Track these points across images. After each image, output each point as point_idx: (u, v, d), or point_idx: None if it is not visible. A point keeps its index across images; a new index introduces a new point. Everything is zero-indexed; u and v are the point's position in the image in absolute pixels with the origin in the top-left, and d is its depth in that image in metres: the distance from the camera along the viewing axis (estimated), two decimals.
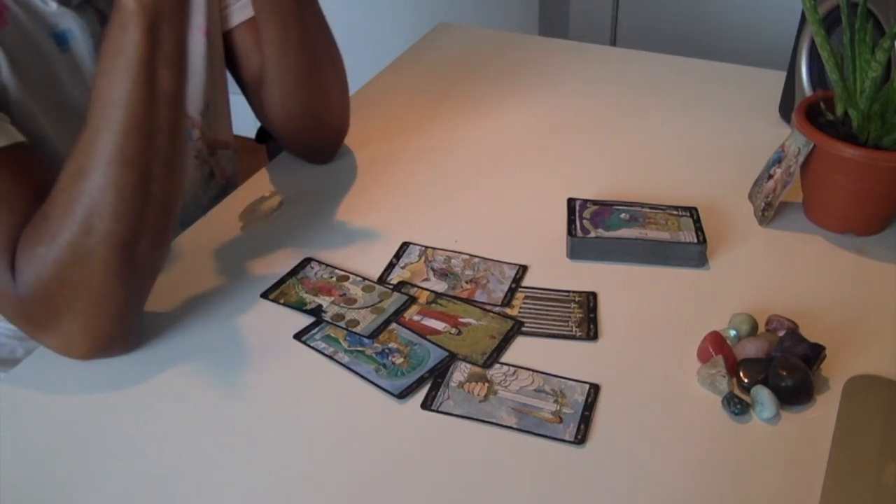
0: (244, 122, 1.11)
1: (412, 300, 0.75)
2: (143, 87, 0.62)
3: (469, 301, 0.76)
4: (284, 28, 0.84)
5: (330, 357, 0.70)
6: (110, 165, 0.62)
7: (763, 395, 0.63)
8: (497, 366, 0.69)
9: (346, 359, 0.69)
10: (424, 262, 0.81)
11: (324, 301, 0.75)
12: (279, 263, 0.81)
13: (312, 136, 0.95)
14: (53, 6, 0.75)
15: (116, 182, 0.62)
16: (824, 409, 0.64)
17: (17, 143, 0.68)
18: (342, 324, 0.73)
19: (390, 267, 0.80)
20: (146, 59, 0.61)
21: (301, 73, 0.87)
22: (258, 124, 1.09)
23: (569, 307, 0.75)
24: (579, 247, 0.81)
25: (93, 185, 0.62)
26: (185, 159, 0.68)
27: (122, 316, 0.68)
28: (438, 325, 0.73)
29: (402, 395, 0.66)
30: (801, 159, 0.82)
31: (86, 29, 0.78)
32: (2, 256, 0.65)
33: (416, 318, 0.74)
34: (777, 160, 0.86)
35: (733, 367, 0.67)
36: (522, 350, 0.70)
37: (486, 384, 0.67)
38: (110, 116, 0.62)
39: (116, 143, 0.62)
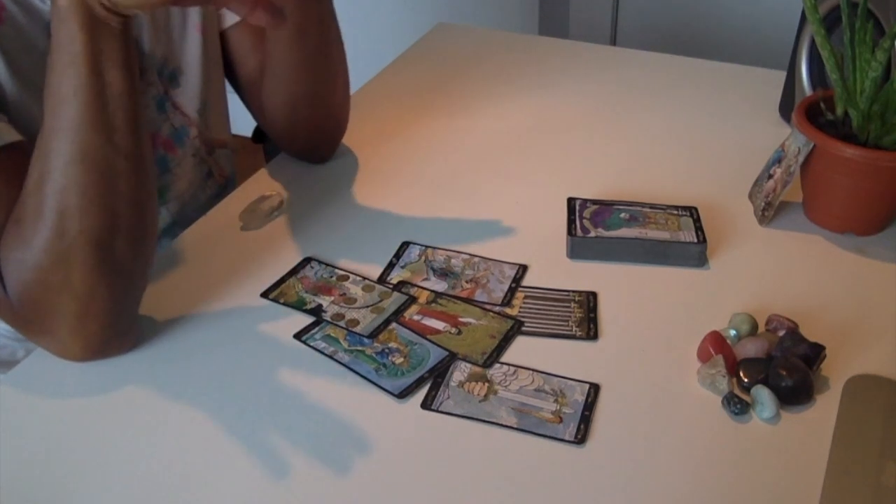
0: (242, 121, 1.11)
1: (412, 300, 0.75)
2: (88, 81, 0.60)
3: (469, 301, 0.76)
4: (303, 12, 0.83)
5: (330, 357, 0.70)
6: (70, 165, 0.61)
7: (763, 395, 0.63)
8: (497, 365, 0.69)
9: (346, 358, 0.69)
10: (424, 261, 0.81)
11: (324, 301, 0.75)
12: (279, 263, 0.81)
13: (313, 131, 0.94)
14: (49, 3, 0.75)
15: (79, 181, 0.62)
16: (824, 409, 0.64)
17: (14, 142, 0.68)
18: (342, 323, 0.73)
19: (390, 267, 0.80)
20: (88, 53, 0.59)
21: (308, 59, 0.86)
22: (255, 124, 1.08)
23: (569, 307, 0.75)
24: (579, 246, 0.80)
25: (56, 187, 0.61)
26: (151, 155, 0.67)
27: (110, 316, 0.67)
28: (438, 324, 0.73)
29: (402, 394, 0.66)
30: (801, 159, 0.82)
31: None
32: None
33: (416, 317, 0.74)
34: (777, 160, 0.86)
35: (733, 366, 0.67)
36: (522, 350, 0.70)
37: (486, 384, 0.67)
38: (63, 115, 0.61)
39: (73, 142, 0.61)
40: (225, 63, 0.96)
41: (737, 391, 0.65)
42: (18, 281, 0.64)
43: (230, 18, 0.93)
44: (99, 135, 0.62)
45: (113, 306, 0.67)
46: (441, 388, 0.66)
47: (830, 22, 0.91)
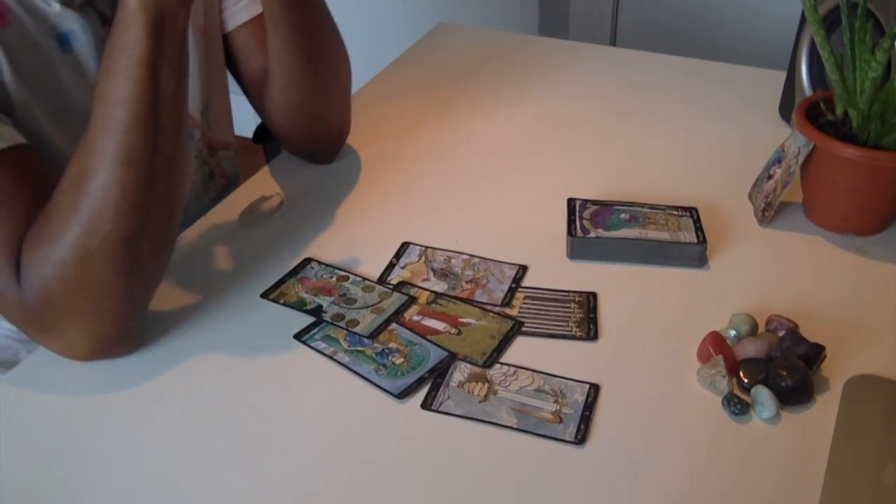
0: (243, 122, 1.11)
1: (412, 300, 0.75)
2: (145, 85, 0.62)
3: (469, 301, 0.76)
4: (287, 22, 0.84)
5: (330, 357, 0.70)
6: (114, 165, 0.62)
7: (763, 395, 0.63)
8: (497, 366, 0.69)
9: (346, 359, 0.69)
10: (424, 262, 0.81)
11: (324, 301, 0.75)
12: (279, 263, 0.81)
13: (312, 136, 0.95)
14: (56, 7, 0.75)
15: (120, 181, 0.62)
16: (824, 409, 0.64)
17: (18, 144, 0.68)
18: (342, 324, 0.73)
19: (390, 267, 0.80)
20: (148, 57, 0.61)
21: (298, 69, 0.87)
22: (256, 125, 1.08)
23: (569, 307, 0.75)
24: (579, 247, 0.80)
25: (96, 185, 0.62)
26: (188, 159, 0.68)
27: (123, 317, 0.68)
28: (438, 325, 0.73)
29: (402, 395, 0.66)
30: (801, 159, 0.82)
31: (88, 30, 0.78)
32: (5, 258, 0.65)
33: (416, 318, 0.74)
34: (777, 160, 0.86)
35: (733, 367, 0.67)
36: (522, 350, 0.70)
37: (486, 384, 0.67)
38: (113, 116, 0.62)
39: (120, 143, 0.62)
40: (231, 65, 0.96)
41: (737, 391, 0.65)
42: (38, 276, 0.64)
43: (235, 20, 0.93)
44: (146, 138, 0.63)
45: (127, 307, 0.68)
46: (441, 389, 0.66)
47: (830, 22, 0.90)
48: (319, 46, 0.87)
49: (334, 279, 0.78)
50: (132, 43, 0.61)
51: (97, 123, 0.62)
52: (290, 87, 0.88)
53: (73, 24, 0.77)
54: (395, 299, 0.76)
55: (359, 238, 0.85)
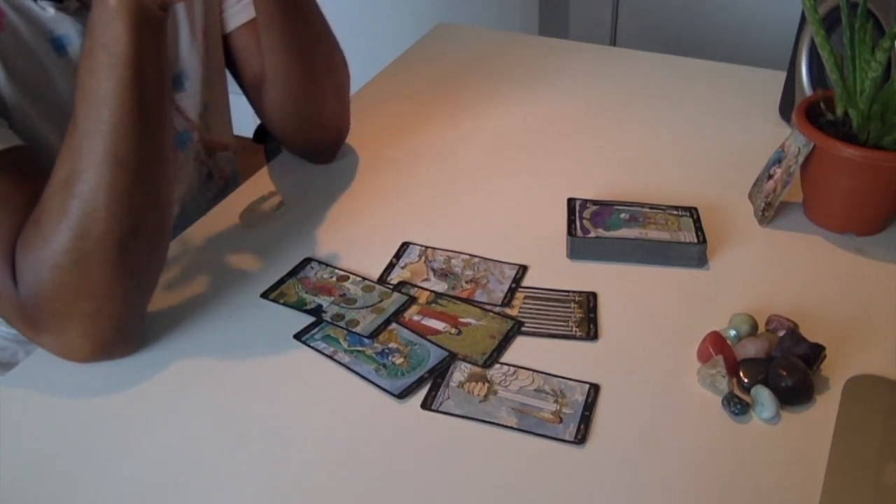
0: (243, 122, 1.11)
1: (412, 300, 0.75)
2: (129, 83, 0.61)
3: (469, 301, 0.76)
4: (279, 27, 0.84)
5: (330, 357, 0.70)
6: (103, 166, 0.62)
7: (763, 395, 0.63)
8: (497, 366, 0.69)
9: (346, 359, 0.69)
10: (424, 262, 0.81)
11: (324, 301, 0.75)
12: (279, 263, 0.81)
13: (310, 136, 0.95)
14: (51, 12, 0.75)
15: (110, 182, 0.62)
16: (824, 409, 0.64)
17: (14, 146, 0.68)
18: (342, 324, 0.73)
19: (390, 267, 0.80)
20: (131, 55, 0.60)
21: (293, 73, 0.87)
22: (256, 125, 1.09)
23: (569, 307, 0.75)
24: (579, 247, 0.81)
25: (86, 188, 0.62)
26: (175, 156, 0.68)
27: (122, 318, 0.68)
28: (438, 325, 0.73)
29: (402, 395, 0.66)
30: (801, 159, 0.82)
31: (83, 34, 0.77)
32: (2, 260, 0.65)
33: (416, 318, 0.74)
34: (777, 160, 0.86)
35: (733, 367, 0.67)
36: (522, 350, 0.70)
37: (486, 384, 0.67)
38: (99, 116, 0.61)
39: (107, 144, 0.61)
40: (230, 66, 0.96)
41: (737, 391, 0.65)
42: (35, 279, 0.64)
43: (235, 21, 0.93)
44: (133, 137, 0.62)
45: (126, 307, 0.67)
46: (441, 389, 0.66)
47: (830, 22, 0.91)
48: (312, 47, 0.86)
49: (334, 279, 0.78)
50: (113, 40, 0.60)
51: (82, 125, 0.62)
52: (286, 88, 0.88)
53: (67, 28, 0.77)
54: (395, 299, 0.76)
55: (359, 238, 0.85)
